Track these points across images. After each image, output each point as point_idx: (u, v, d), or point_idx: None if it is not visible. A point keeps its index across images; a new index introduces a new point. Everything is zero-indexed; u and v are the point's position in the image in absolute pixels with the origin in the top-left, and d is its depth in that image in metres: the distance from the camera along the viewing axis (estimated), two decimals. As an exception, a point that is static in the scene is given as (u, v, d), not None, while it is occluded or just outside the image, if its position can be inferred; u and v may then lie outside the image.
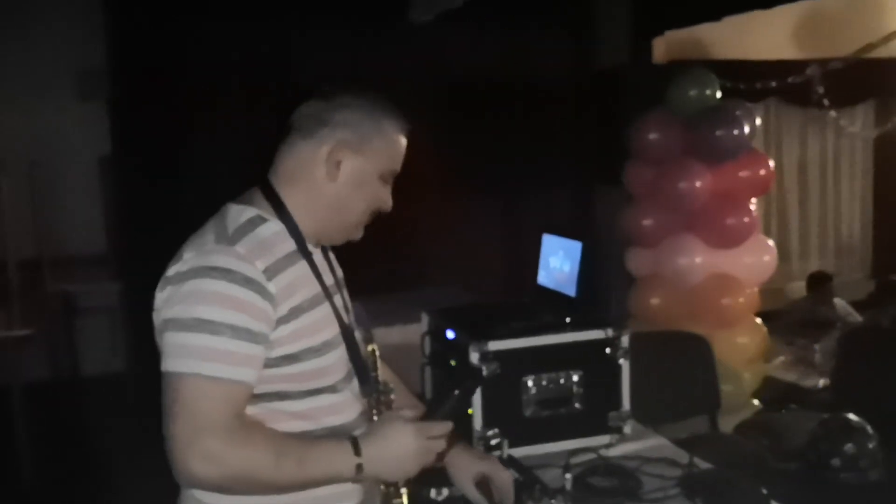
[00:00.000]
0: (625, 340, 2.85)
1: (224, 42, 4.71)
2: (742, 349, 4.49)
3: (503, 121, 5.09)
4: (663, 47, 5.74)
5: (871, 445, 2.94)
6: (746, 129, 4.29)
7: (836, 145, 7.20)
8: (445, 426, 1.66)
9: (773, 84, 5.15)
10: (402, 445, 1.57)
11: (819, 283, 6.50)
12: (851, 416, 3.07)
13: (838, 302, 6.51)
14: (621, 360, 2.86)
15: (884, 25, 6.89)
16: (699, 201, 4.30)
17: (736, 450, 3.87)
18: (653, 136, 4.42)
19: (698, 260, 4.36)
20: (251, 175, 1.64)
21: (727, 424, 4.22)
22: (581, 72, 5.28)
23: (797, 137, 7.09)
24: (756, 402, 4.66)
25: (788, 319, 6.54)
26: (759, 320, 4.72)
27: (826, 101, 6.73)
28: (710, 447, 3.91)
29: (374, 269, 4.05)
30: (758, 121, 4.50)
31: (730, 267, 4.40)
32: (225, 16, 4.65)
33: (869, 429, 2.98)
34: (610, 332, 2.81)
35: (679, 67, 4.71)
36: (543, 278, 3.31)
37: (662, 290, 4.47)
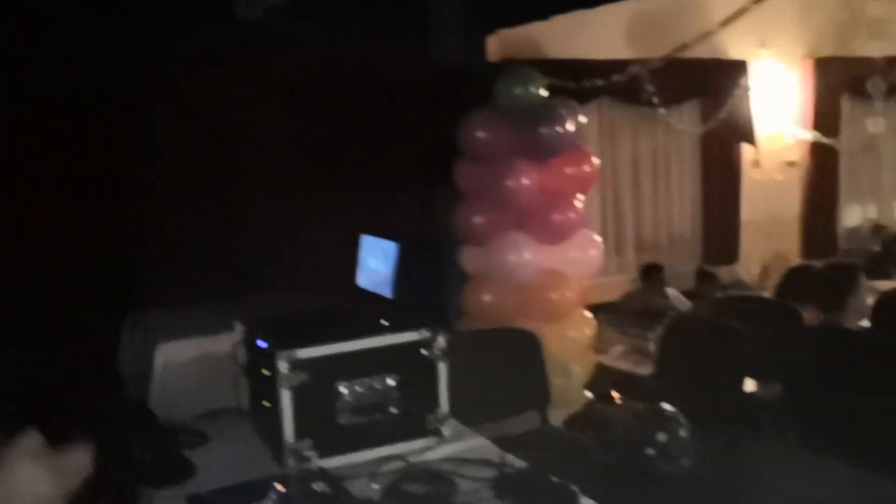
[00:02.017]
0: (441, 341, 2.82)
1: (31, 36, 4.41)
2: (572, 342, 4.58)
3: (336, 119, 4.99)
4: (498, 45, 5.81)
5: (682, 434, 3.03)
6: (571, 127, 4.37)
7: (667, 142, 7.47)
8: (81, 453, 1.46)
9: (600, 82, 5.27)
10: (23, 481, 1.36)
11: (651, 273, 6.72)
12: (665, 405, 3.15)
13: (670, 291, 6.76)
14: (438, 362, 2.83)
15: (709, 25, 7.22)
16: (526, 198, 4.36)
17: (562, 444, 3.93)
18: (480, 134, 4.44)
19: (527, 256, 4.42)
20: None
21: (561, 418, 4.29)
22: (415, 69, 5.23)
23: (630, 135, 7.32)
24: (588, 393, 4.76)
25: (623, 310, 6.74)
26: (588, 313, 4.82)
27: (655, 100, 7.01)
28: (538, 443, 3.96)
29: (204, 274, 3.91)
30: (582, 118, 4.60)
31: (558, 262, 4.48)
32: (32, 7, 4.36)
33: (681, 418, 3.08)
34: (425, 334, 2.77)
35: (508, 65, 4.75)
36: (363, 280, 3.25)
37: (494, 288, 4.51)
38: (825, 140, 7.71)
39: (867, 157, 8.25)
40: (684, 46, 4.57)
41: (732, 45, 7.41)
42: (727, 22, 4.42)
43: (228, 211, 4.11)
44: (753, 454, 3.57)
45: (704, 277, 6.52)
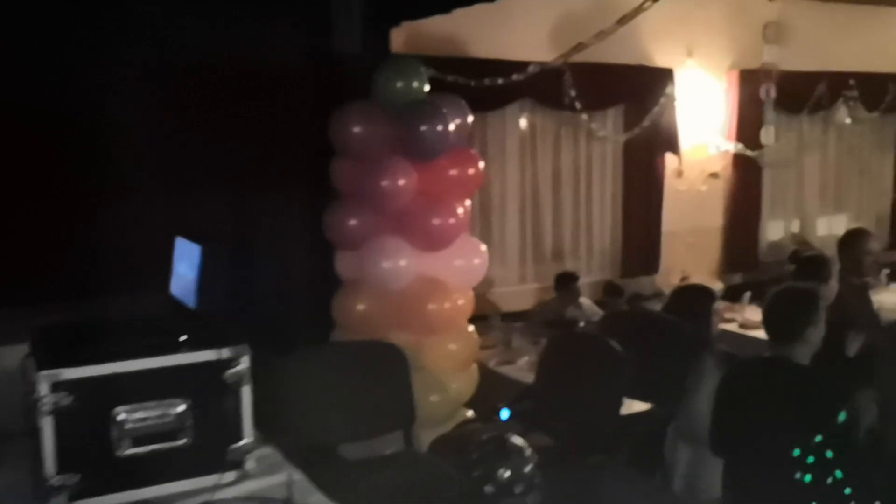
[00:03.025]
0: (244, 362, 2.35)
1: None
2: (452, 356, 4.11)
3: (222, 111, 4.47)
4: (412, 41, 5.37)
5: (527, 469, 2.59)
6: (454, 126, 3.91)
7: (589, 149, 7.03)
8: None
9: (500, 81, 4.80)
10: None
11: (566, 283, 6.30)
12: (512, 436, 2.71)
13: (584, 301, 6.34)
14: (241, 386, 2.36)
15: (636, 30, 6.82)
16: (404, 200, 3.88)
17: (422, 467, 3.48)
18: (356, 129, 3.95)
19: (403, 263, 3.93)
20: None
21: (432, 437, 3.84)
22: (308, 62, 4.75)
23: (552, 140, 6.87)
24: (470, 412, 4.31)
25: (536, 319, 6.32)
26: (470, 326, 4.36)
27: (578, 105, 6.58)
28: (400, 465, 3.52)
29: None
30: (470, 118, 4.12)
31: (437, 270, 4.01)
32: None
33: (528, 451, 2.63)
34: (226, 354, 2.30)
35: (394, 57, 4.27)
36: (174, 287, 2.76)
37: (368, 296, 4.02)
38: (748, 152, 7.33)
39: (790, 171, 7.90)
40: (581, 46, 4.10)
41: (659, 53, 7.01)
42: (623, 21, 3.97)
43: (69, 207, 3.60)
44: (608, 489, 3.18)
45: (611, 290, 6.09)
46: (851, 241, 5.26)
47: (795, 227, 8.10)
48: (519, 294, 6.74)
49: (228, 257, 2.55)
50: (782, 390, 3.21)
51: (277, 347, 3.34)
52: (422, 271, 3.97)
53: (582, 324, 5.97)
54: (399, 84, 3.95)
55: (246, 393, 2.31)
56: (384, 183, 3.82)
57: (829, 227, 8.28)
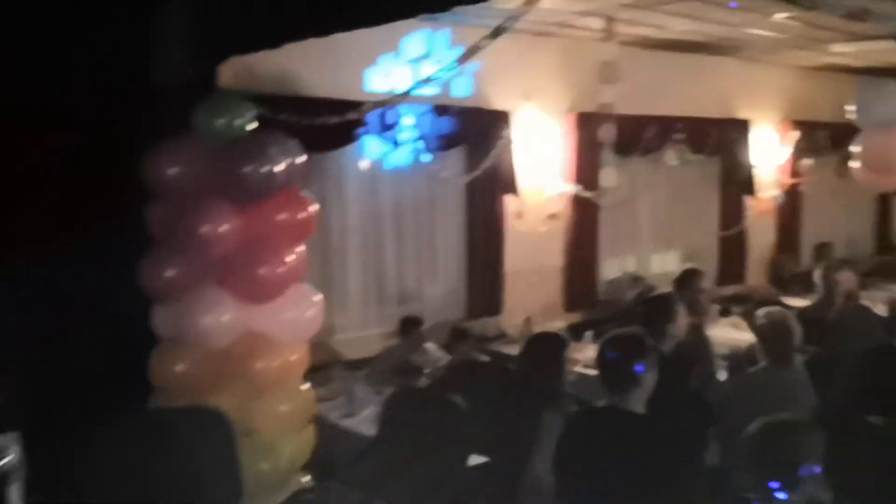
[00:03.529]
0: (13, 453, 1.87)
1: None
2: (285, 418, 3.69)
3: (28, 148, 3.90)
4: (234, 77, 4.96)
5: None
6: (282, 166, 3.54)
7: (431, 190, 6.82)
8: None
9: (333, 120, 4.47)
10: None
11: (410, 327, 6.01)
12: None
13: (430, 346, 6.06)
14: (6, 483, 1.89)
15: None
16: (226, 248, 3.46)
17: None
18: (173, 169, 3.52)
19: (227, 317, 3.50)
20: None
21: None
22: (123, 96, 4.25)
23: (393, 181, 6.60)
24: (306, 477, 3.89)
25: (381, 367, 5.98)
26: (306, 385, 3.96)
27: (421, 147, 6.35)
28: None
29: None
30: (301, 157, 3.75)
31: (267, 324, 3.59)
32: None
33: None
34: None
35: (217, 92, 3.86)
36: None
37: (188, 355, 3.56)
38: (586, 193, 7.33)
39: (625, 210, 7.98)
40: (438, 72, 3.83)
41: (496, 96, 6.92)
42: (461, 60, 3.76)
43: None
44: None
45: (457, 333, 5.84)
46: (687, 281, 5.27)
47: (631, 264, 8.19)
48: (362, 340, 6.39)
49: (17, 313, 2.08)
50: (618, 440, 3.09)
51: (83, 418, 2.84)
52: (248, 326, 3.55)
53: (427, 370, 5.70)
54: (221, 121, 3.55)
55: (15, 492, 1.85)
56: (204, 228, 3.39)
57: (663, 264, 8.43)
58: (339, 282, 6.36)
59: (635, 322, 6.61)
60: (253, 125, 3.67)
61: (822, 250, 9.36)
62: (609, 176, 6.29)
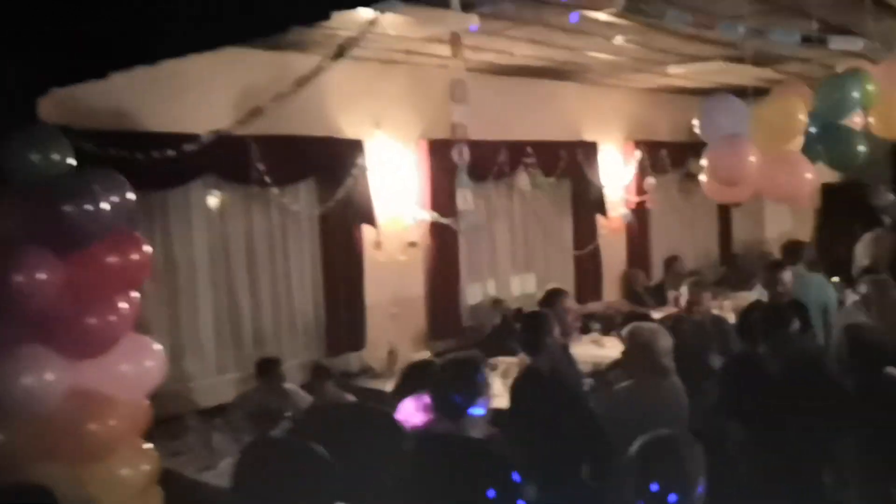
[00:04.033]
0: None
1: None
2: (125, 483, 3.29)
3: None
4: (57, 112, 4.50)
5: None
6: (109, 206, 3.17)
7: (283, 224, 6.50)
8: None
9: (170, 153, 4.11)
10: None
11: (267, 368, 5.64)
12: None
13: (290, 387, 5.70)
14: None
15: (323, 103, 6.47)
16: (47, 299, 3.06)
17: None
18: (-21, 215, 3.09)
19: (51, 376, 3.08)
20: None
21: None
22: None
23: (242, 217, 6.24)
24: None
25: (238, 413, 5.57)
26: (148, 444, 3.56)
27: (268, 179, 6.04)
28: None
29: None
30: (131, 195, 3.38)
31: (99, 380, 3.20)
32: None
33: None
34: None
35: (30, 127, 3.43)
36: None
37: (7, 422, 3.11)
38: (443, 220, 7.20)
39: (482, 235, 7.92)
40: (279, 97, 3.53)
41: (347, 124, 6.70)
42: (301, 82, 3.51)
43: None
44: None
45: (318, 372, 5.53)
46: (552, 300, 5.19)
47: (492, 288, 8.11)
48: (218, 386, 5.97)
49: None
50: (459, 467, 2.93)
51: None
52: (77, 384, 3.14)
53: (289, 413, 5.35)
54: (35, 157, 3.15)
55: None
56: (18, 278, 2.98)
57: (523, 286, 8.42)
58: (189, 325, 5.93)
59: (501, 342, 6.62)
60: (73, 161, 3.27)
61: (671, 264, 9.63)
62: (464, 197, 6.16)
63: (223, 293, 6.12)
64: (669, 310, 8.30)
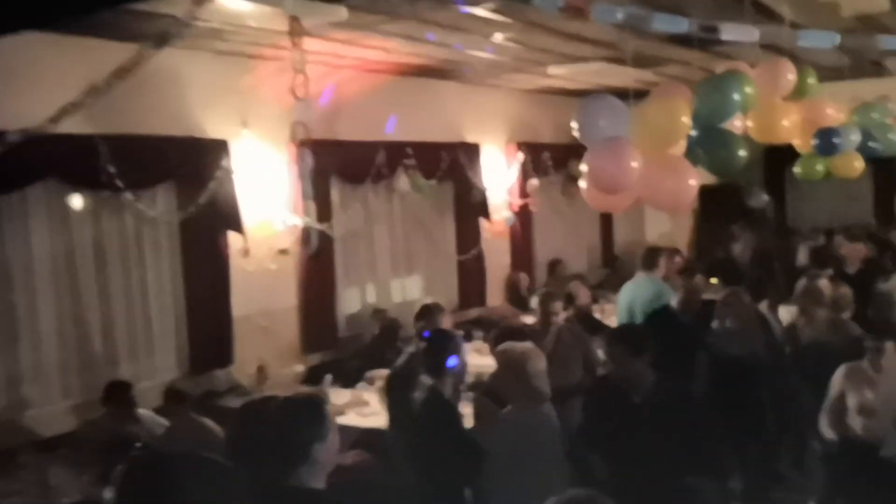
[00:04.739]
0: None
1: None
2: None
3: None
4: None
5: None
6: None
7: (138, 232, 5.91)
8: None
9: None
10: None
11: (117, 394, 5.08)
12: None
13: (144, 413, 5.16)
14: None
15: (184, 102, 5.94)
16: None
17: None
18: None
19: None
20: None
21: None
22: None
23: (90, 224, 5.63)
24: None
25: (83, 443, 5.00)
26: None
27: (120, 183, 5.46)
28: None
29: None
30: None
31: None
32: None
33: None
34: None
35: None
36: None
37: None
38: (317, 225, 6.75)
39: (361, 241, 7.52)
40: (94, 90, 3.01)
41: (211, 124, 6.18)
42: (120, 74, 3.02)
43: None
44: None
45: (173, 395, 5.00)
46: (427, 315, 4.88)
47: (371, 295, 7.72)
48: (61, 414, 5.35)
49: None
50: None
51: None
52: None
53: (139, 444, 4.80)
54: None
55: None
56: None
57: (404, 293, 8.07)
58: (28, 346, 5.29)
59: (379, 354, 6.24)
60: None
61: (554, 266, 9.50)
62: (309, 212, 5.75)
63: (68, 309, 5.49)
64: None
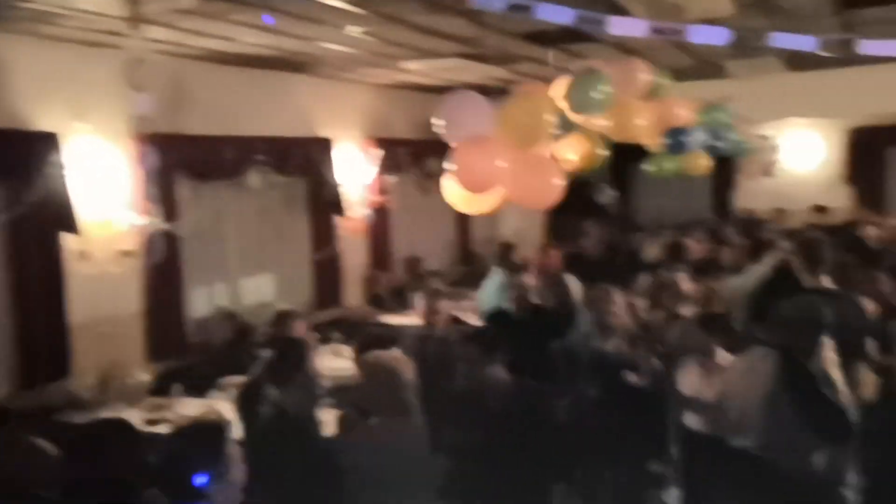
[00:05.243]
0: None
1: None
2: None
3: None
4: None
5: None
6: None
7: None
8: None
9: None
10: None
11: None
12: None
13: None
14: None
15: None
16: None
17: None
18: None
19: None
20: None
21: None
22: None
23: None
24: None
25: None
26: None
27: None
28: None
29: None
30: None
31: None
32: None
33: None
34: None
35: None
36: None
37: None
38: (163, 225, 6.34)
39: (211, 240, 7.13)
40: None
41: (40, 115, 5.64)
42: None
43: None
44: None
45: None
46: (281, 322, 4.65)
47: (223, 297, 7.34)
48: None
49: None
50: None
51: None
52: None
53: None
54: None
55: None
56: None
57: (257, 294, 7.74)
58: None
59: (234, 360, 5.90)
60: None
61: (412, 264, 9.41)
62: (152, 215, 5.38)
63: None
64: (412, 313, 8.03)
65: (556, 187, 3.50)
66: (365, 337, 4.92)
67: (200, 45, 6.17)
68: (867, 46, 3.08)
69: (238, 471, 2.34)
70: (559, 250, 7.85)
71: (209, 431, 2.39)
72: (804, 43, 3.20)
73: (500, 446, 3.34)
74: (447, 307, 5.18)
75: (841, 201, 10.51)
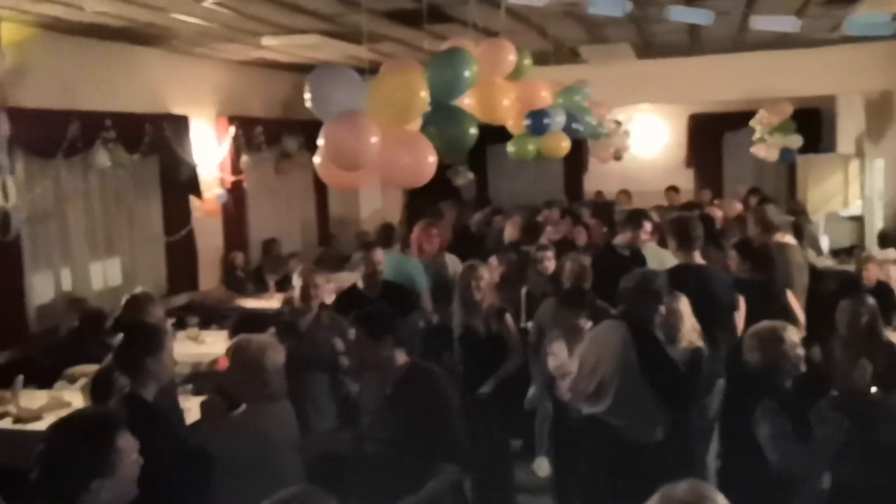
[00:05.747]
0: None
1: None
2: None
3: None
4: None
5: None
6: None
7: None
8: None
9: None
10: None
11: None
12: None
13: None
14: None
15: None
16: None
17: None
18: None
19: None
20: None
21: None
22: None
23: None
24: None
25: None
26: None
27: None
28: None
29: None
30: None
31: None
32: None
33: None
34: None
35: None
36: None
37: None
38: (9, 204, 5.83)
39: (54, 221, 6.66)
40: None
41: None
42: None
43: None
44: None
45: None
46: (135, 307, 4.37)
47: (68, 282, 6.87)
48: None
49: None
50: None
51: None
52: None
53: None
54: None
55: None
56: None
57: (106, 279, 7.31)
58: None
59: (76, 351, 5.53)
60: None
61: (269, 246, 9.20)
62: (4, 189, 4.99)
63: None
64: (271, 296, 7.85)
65: (429, 166, 3.48)
66: (239, 318, 4.74)
67: (42, 12, 5.72)
68: (759, 22, 3.24)
69: (131, 464, 2.21)
70: (444, 230, 7.85)
71: (91, 425, 2.24)
72: (702, 17, 3.35)
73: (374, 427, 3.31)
74: (325, 286, 5.07)
75: (683, 184, 11.12)
